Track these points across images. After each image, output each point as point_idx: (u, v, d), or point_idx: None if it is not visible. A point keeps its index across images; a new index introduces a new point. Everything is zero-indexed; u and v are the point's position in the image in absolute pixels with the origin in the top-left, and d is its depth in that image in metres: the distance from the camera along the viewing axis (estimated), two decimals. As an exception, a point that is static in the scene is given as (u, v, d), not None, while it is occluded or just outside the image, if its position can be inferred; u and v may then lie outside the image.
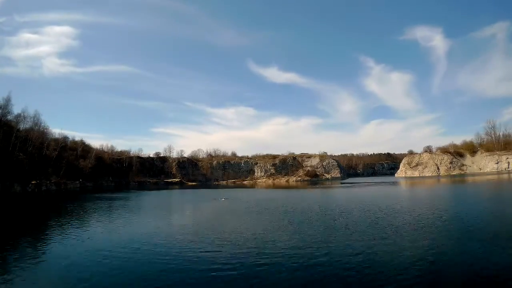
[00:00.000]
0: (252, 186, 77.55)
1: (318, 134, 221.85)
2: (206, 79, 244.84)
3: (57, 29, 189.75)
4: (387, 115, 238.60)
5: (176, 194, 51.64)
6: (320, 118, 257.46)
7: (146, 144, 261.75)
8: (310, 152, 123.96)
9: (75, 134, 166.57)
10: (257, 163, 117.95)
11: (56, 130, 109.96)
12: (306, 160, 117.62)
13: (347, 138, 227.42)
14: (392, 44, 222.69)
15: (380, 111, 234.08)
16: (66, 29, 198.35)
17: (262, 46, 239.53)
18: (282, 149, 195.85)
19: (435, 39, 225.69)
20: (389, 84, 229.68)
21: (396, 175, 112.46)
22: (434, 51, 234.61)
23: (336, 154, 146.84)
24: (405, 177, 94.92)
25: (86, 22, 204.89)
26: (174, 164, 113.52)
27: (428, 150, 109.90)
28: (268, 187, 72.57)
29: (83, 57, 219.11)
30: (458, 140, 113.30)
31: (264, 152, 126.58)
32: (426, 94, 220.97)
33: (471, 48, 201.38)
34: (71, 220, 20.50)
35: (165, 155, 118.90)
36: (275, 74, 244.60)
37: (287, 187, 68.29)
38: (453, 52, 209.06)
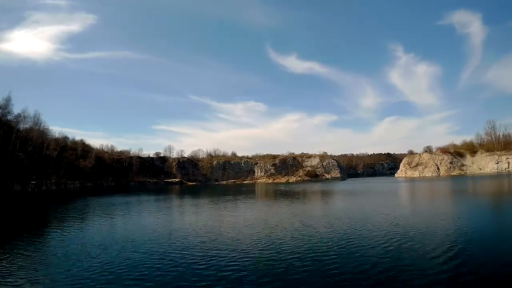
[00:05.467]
0: (252, 186, 77.36)
1: (331, 132, 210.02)
2: (217, 67, 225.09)
3: (50, 3, 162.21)
4: (404, 112, 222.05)
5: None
6: (336, 115, 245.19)
7: (147, 143, 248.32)
8: (310, 152, 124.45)
9: (74, 132, 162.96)
10: (257, 163, 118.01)
11: (56, 129, 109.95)
12: (306, 160, 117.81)
13: (360, 137, 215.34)
14: (427, 29, 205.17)
15: (398, 107, 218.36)
16: (60, 3, 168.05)
17: (285, 29, 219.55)
18: (293, 148, 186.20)
19: (472, 25, 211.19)
20: (413, 77, 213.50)
21: (396, 175, 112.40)
22: (470, 38, 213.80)
23: (336, 154, 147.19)
24: (405, 178, 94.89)
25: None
26: (174, 164, 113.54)
27: (428, 150, 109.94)
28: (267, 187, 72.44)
29: (79, 40, 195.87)
30: (459, 140, 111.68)
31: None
32: (451, 89, 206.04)
33: (508, 38, 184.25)
34: (71, 220, 20.46)
35: (165, 155, 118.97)
36: (294, 63, 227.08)
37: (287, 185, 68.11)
38: (489, 41, 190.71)
